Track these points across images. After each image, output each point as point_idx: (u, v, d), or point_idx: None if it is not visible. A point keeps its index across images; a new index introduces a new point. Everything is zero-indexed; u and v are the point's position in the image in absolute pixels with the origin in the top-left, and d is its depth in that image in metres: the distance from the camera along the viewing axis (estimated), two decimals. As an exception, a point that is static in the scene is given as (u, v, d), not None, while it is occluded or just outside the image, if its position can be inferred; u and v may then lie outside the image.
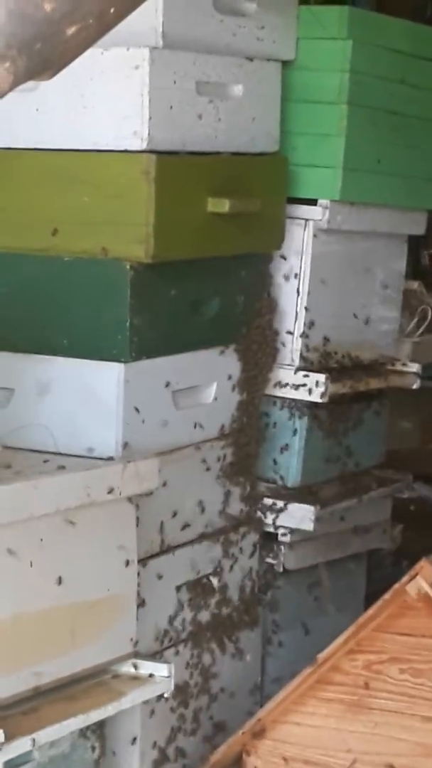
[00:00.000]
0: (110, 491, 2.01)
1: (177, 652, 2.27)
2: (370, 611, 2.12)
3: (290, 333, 2.45)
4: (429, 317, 2.90)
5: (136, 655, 2.09)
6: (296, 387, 2.44)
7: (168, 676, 2.07)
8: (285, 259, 2.43)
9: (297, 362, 2.45)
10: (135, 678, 2.06)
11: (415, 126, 2.55)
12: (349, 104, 2.37)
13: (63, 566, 1.96)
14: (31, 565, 1.91)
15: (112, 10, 1.32)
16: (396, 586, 2.09)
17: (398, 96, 2.49)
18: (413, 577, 2.06)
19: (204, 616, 2.33)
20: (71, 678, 1.98)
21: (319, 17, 2.36)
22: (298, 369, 2.44)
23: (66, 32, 1.31)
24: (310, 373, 2.43)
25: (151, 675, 2.07)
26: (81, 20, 1.32)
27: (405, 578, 2.08)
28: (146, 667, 2.08)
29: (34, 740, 1.86)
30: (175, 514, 2.25)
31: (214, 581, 2.35)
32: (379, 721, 2.15)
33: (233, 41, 2.25)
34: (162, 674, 2.07)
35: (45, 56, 1.42)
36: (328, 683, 2.18)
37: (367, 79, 2.41)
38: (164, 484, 2.16)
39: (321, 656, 2.16)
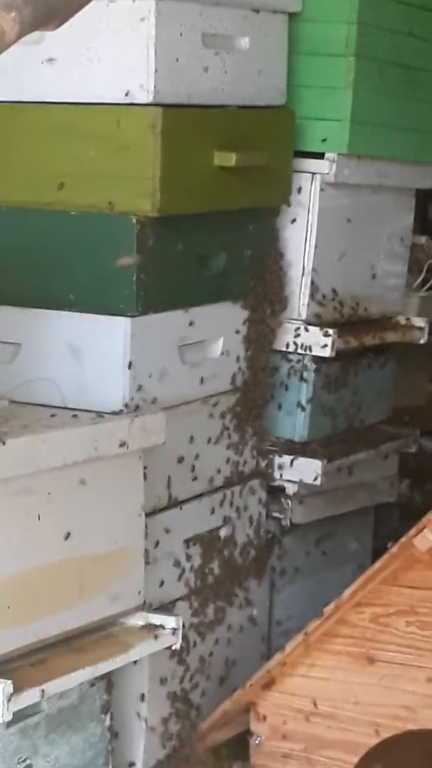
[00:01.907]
0: (118, 445, 2.01)
1: (185, 605, 2.28)
2: (377, 564, 2.13)
3: (297, 287, 2.44)
4: (436, 272, 2.89)
5: (144, 607, 2.10)
6: (304, 342, 2.43)
7: (176, 629, 2.08)
8: (292, 212, 2.42)
9: (304, 316, 2.44)
10: (143, 630, 2.07)
11: (423, 79, 2.53)
12: (356, 56, 2.36)
13: (71, 520, 1.96)
14: (39, 519, 1.91)
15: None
16: (403, 539, 2.09)
17: (406, 48, 2.47)
18: (420, 531, 2.06)
19: (212, 569, 2.34)
20: (79, 630, 1.99)
21: (326, -31, 2.34)
22: (306, 323, 2.44)
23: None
24: (318, 328, 2.42)
25: (159, 627, 2.08)
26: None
27: (412, 531, 2.08)
28: (154, 619, 2.09)
29: (43, 691, 1.88)
30: (182, 469, 2.25)
31: (222, 535, 2.36)
32: (386, 673, 2.16)
33: (239, -7, 2.23)
34: (170, 626, 2.08)
35: (50, 6, 1.41)
36: (336, 636, 2.19)
37: (374, 31, 2.39)
38: (171, 438, 2.16)
39: (328, 609, 2.17)
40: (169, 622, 2.08)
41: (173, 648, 2.11)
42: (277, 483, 2.46)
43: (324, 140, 2.38)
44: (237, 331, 2.36)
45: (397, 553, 2.11)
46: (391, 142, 2.49)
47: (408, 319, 2.67)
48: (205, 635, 2.34)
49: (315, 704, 2.22)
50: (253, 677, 2.25)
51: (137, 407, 2.13)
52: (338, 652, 2.19)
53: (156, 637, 2.07)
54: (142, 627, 2.08)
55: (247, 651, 2.45)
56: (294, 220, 2.42)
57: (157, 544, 2.20)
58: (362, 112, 2.39)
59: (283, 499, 2.48)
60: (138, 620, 2.08)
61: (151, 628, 2.08)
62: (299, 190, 2.41)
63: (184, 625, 2.17)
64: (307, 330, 2.43)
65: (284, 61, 2.36)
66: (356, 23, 2.35)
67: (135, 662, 2.11)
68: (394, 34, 2.44)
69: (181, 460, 2.25)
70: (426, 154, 2.60)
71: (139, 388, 2.15)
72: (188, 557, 2.28)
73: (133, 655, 2.02)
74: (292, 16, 2.36)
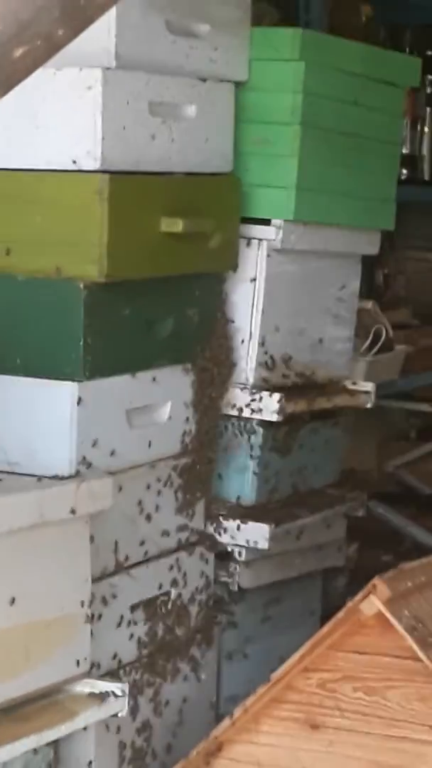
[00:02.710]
0: (65, 511, 2.00)
1: (132, 672, 2.27)
2: (324, 629, 2.12)
3: (245, 352, 2.46)
4: (383, 337, 2.92)
5: (90, 674, 2.09)
6: (251, 406, 2.44)
7: (122, 696, 2.07)
8: (239, 278, 2.44)
9: (251, 381, 2.46)
10: (89, 698, 2.05)
11: (369, 147, 2.57)
12: (302, 125, 2.39)
13: (16, 586, 1.95)
14: (-16, 585, 1.90)
15: (60, 32, 1.33)
16: (349, 604, 2.09)
17: (351, 117, 2.51)
18: (366, 596, 2.06)
19: (159, 635, 2.33)
20: (25, 698, 1.98)
21: (271, 39, 2.38)
22: (253, 388, 2.45)
23: (13, 54, 1.32)
24: (265, 393, 2.44)
25: (105, 695, 2.06)
26: (28, 42, 1.33)
27: (358, 596, 2.08)
28: (100, 686, 2.07)
29: (-14, 761, 1.86)
30: (129, 533, 2.25)
31: (170, 600, 2.35)
32: (333, 739, 2.15)
33: (186, 62, 2.26)
34: (116, 693, 2.07)
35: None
36: (283, 702, 2.18)
37: (320, 101, 2.43)
38: (118, 503, 2.16)
39: (275, 675, 2.16)
40: (115, 688, 2.07)
41: (119, 715, 2.09)
42: (224, 547, 2.46)
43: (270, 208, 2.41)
44: (185, 395, 2.37)
45: (343, 619, 2.11)
46: (336, 209, 2.52)
47: (355, 383, 2.69)
48: (152, 702, 2.33)
49: (262, 771, 2.20)
50: (201, 744, 2.23)
51: (84, 471, 2.13)
52: (285, 718, 2.18)
53: (102, 704, 2.05)
54: (88, 694, 2.06)
55: (195, 717, 2.43)
56: (241, 286, 2.44)
57: (103, 609, 2.18)
58: (308, 179, 2.42)
59: (231, 564, 2.48)
60: (84, 687, 2.07)
61: (97, 695, 2.06)
62: (247, 256, 2.43)
63: (131, 692, 2.15)
64: (254, 394, 2.44)
65: (231, 128, 2.39)
66: (302, 92, 2.38)
67: (85, 728, 2.09)
68: (339, 103, 2.48)
69: (128, 524, 2.24)
70: (371, 220, 2.63)
71: (86, 452, 2.15)
72: (135, 622, 2.27)
73: (79, 722, 2.00)
74: (238, 84, 2.39)
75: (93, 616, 2.12)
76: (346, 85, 2.48)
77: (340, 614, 2.11)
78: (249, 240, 2.43)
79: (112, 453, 2.20)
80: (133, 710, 2.26)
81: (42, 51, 1.34)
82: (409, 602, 2.10)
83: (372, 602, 2.07)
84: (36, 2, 1.31)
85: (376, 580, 2.07)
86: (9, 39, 1.31)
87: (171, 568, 2.35)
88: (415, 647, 2.05)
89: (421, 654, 2.06)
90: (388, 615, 2.06)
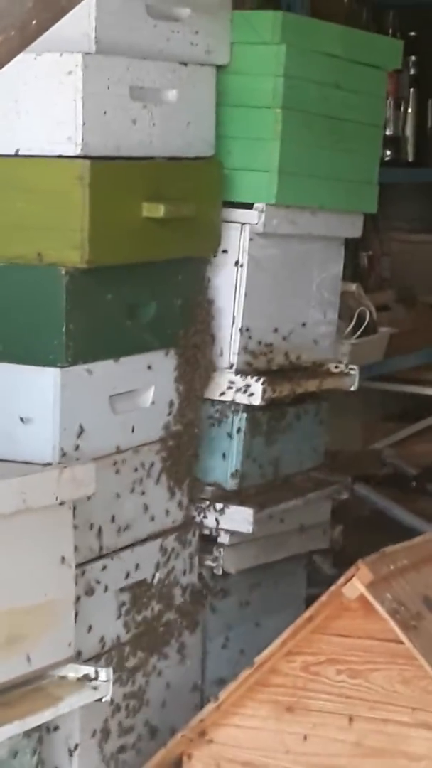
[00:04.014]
0: (47, 497, 2.00)
1: (117, 655, 2.27)
2: (307, 613, 2.13)
3: (228, 337, 2.46)
4: (367, 319, 2.93)
5: (75, 659, 2.09)
6: (234, 390, 2.45)
7: (107, 681, 2.08)
8: (222, 262, 2.44)
9: (235, 365, 2.46)
10: (73, 683, 2.06)
11: (350, 129, 2.56)
12: (283, 108, 2.39)
13: (-1, 573, 1.96)
14: (-33, 572, 1.91)
15: (33, 22, 1.33)
16: (332, 588, 2.10)
17: (333, 100, 2.51)
18: (349, 579, 2.07)
19: (144, 620, 2.34)
20: (9, 684, 1.98)
21: (252, 22, 2.37)
22: (236, 372, 2.45)
23: (-13, 43, 1.32)
24: (248, 377, 2.44)
25: (90, 679, 2.07)
26: (2, 32, 1.33)
27: (341, 580, 2.09)
28: (85, 671, 2.08)
29: (-30, 747, 1.86)
30: (113, 519, 2.25)
31: (154, 585, 2.35)
32: (317, 722, 2.16)
33: (167, 46, 2.25)
34: (101, 678, 2.07)
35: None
36: (267, 685, 2.19)
37: (301, 84, 2.42)
38: (102, 489, 2.16)
39: (259, 659, 2.17)
40: (100, 673, 2.07)
41: (104, 699, 2.10)
42: (208, 531, 2.46)
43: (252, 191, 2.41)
44: (168, 380, 2.37)
45: (326, 602, 2.11)
46: (318, 192, 2.52)
47: (339, 366, 2.69)
48: (137, 686, 2.33)
49: (247, 754, 2.21)
50: (186, 727, 2.25)
51: (67, 457, 2.13)
52: (270, 701, 2.19)
53: (86, 689, 2.06)
54: (72, 679, 2.07)
55: (180, 701, 2.44)
56: (224, 270, 2.44)
57: (87, 594, 2.19)
58: (290, 163, 2.42)
59: (215, 548, 2.48)
60: (68, 672, 2.07)
61: (82, 680, 2.07)
62: (229, 240, 2.42)
63: (116, 676, 2.16)
64: (237, 378, 2.44)
65: (212, 112, 2.38)
66: (283, 76, 2.38)
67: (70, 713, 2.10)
68: (321, 86, 2.47)
69: (111, 510, 2.25)
70: (354, 203, 2.63)
71: (70, 438, 2.15)
72: (119, 607, 2.28)
73: (63, 708, 2.01)
74: (219, 68, 2.39)
75: (77, 600, 2.12)
76: (327, 68, 2.48)
77: (323, 598, 2.12)
78: (231, 224, 2.42)
79: (96, 438, 2.20)
80: (118, 694, 2.27)
81: (16, 41, 1.35)
82: (392, 585, 2.11)
83: (354, 585, 2.08)
84: (9, -8, 1.31)
85: (359, 564, 2.08)
86: (-18, 30, 1.31)
87: (155, 552, 2.36)
88: (398, 630, 2.06)
89: (403, 637, 2.06)
90: (371, 598, 2.06)
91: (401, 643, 2.07)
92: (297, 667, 2.16)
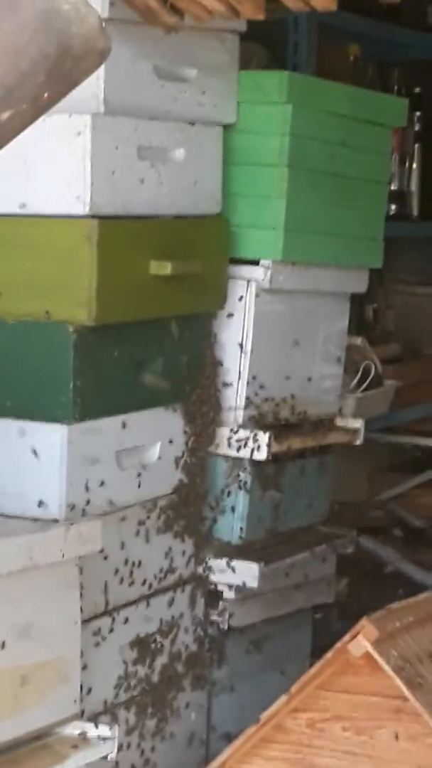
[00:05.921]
0: (54, 554, 2.01)
1: (123, 712, 2.28)
2: (313, 670, 2.14)
3: (234, 392, 2.47)
4: (372, 373, 2.94)
5: (80, 716, 2.09)
6: (240, 445, 2.46)
7: (112, 738, 2.07)
8: (228, 318, 2.46)
9: (240, 420, 2.47)
10: (79, 740, 2.06)
11: (356, 187, 2.59)
12: (289, 167, 2.41)
13: (6, 630, 1.96)
14: (-26, 629, 1.91)
15: (45, 95, 1.35)
16: (338, 645, 2.11)
17: (339, 158, 2.53)
18: (354, 636, 2.08)
19: (150, 675, 2.34)
20: (14, 742, 1.98)
21: (259, 82, 2.40)
22: (242, 427, 2.46)
23: (0, 117, 1.34)
24: (254, 432, 2.45)
25: (95, 737, 2.07)
26: (15, 105, 1.35)
27: (346, 637, 2.09)
28: (90, 728, 2.08)
29: (-24, 805, 1.86)
30: (119, 575, 2.26)
31: (160, 640, 2.36)
32: (323, 779, 2.16)
33: (174, 107, 2.28)
34: (106, 735, 2.07)
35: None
36: (272, 741, 2.19)
37: (307, 142, 2.45)
38: (108, 544, 2.17)
39: (264, 715, 2.17)
40: (105, 731, 2.07)
41: (109, 757, 2.10)
42: (214, 586, 2.47)
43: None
44: (174, 436, 2.38)
45: (332, 659, 2.12)
46: (324, 249, 2.54)
47: (344, 420, 2.70)
48: (143, 743, 2.33)
49: (253, 810, 2.21)
50: (191, 784, 2.25)
51: (74, 512, 2.14)
52: (275, 758, 2.19)
53: (91, 746, 2.06)
54: (78, 736, 2.07)
55: (186, 758, 2.44)
56: (230, 326, 2.46)
57: (94, 650, 2.19)
58: (296, 220, 2.44)
59: (220, 603, 2.49)
60: (73, 729, 2.07)
61: (87, 738, 2.07)
62: (235, 296, 2.45)
63: (121, 732, 2.16)
64: (243, 433, 2.45)
65: (219, 171, 2.41)
66: (289, 135, 2.40)
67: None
68: (327, 145, 2.50)
69: (118, 565, 2.25)
70: (359, 259, 2.65)
71: (76, 494, 2.16)
72: (125, 664, 2.28)
73: (68, 765, 2.01)
74: (226, 127, 2.42)
75: (83, 657, 2.12)
76: (333, 127, 2.51)
77: (329, 654, 2.12)
78: (238, 280, 2.44)
79: (102, 494, 2.21)
80: (123, 750, 2.27)
81: (28, 113, 1.37)
82: (397, 642, 2.11)
83: (360, 643, 2.08)
84: (21, 68, 1.33)
85: (364, 621, 2.09)
86: (-5, 104, 1.33)
87: (161, 607, 2.36)
88: (403, 687, 2.07)
89: (408, 694, 2.07)
90: (376, 656, 2.07)
91: (407, 700, 2.08)
92: (303, 724, 2.16)
